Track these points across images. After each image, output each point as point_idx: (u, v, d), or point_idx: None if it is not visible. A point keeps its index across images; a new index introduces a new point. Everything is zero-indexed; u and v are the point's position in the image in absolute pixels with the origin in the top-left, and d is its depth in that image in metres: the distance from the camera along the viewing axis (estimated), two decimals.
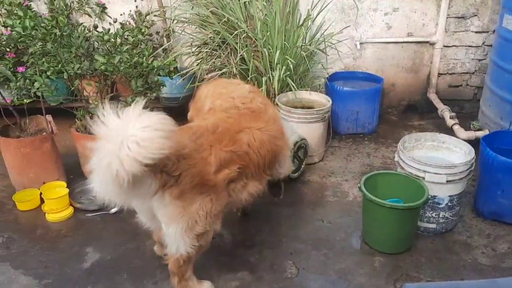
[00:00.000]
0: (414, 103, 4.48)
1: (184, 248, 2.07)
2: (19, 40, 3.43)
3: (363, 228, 2.69)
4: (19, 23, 2.95)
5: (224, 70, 3.61)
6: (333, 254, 2.57)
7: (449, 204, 2.64)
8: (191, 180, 1.98)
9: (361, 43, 4.22)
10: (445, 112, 3.96)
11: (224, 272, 2.44)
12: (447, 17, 4.10)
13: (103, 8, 4.16)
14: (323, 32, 4.01)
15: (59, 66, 3.01)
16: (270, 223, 2.86)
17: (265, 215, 2.93)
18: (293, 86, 3.50)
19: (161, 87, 3.26)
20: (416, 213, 2.54)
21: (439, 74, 4.33)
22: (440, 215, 2.67)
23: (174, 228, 2.02)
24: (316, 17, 3.90)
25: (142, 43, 3.46)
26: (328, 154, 3.70)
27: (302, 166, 3.37)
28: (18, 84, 3.24)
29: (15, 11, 3.43)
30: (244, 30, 3.54)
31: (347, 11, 4.15)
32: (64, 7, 3.93)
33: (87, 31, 3.26)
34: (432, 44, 4.21)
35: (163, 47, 4.04)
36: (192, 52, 3.85)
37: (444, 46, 4.21)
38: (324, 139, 3.60)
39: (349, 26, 4.18)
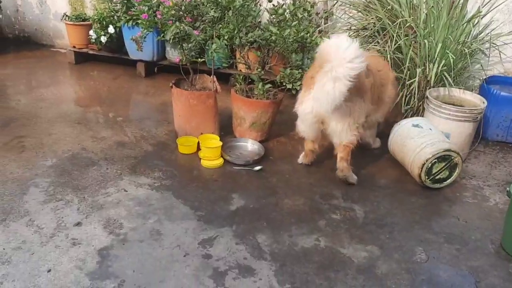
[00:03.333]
0: None
1: (350, 136, 2.95)
2: (196, 7, 3.88)
3: (503, 233, 2.62)
4: None
5: None
6: (466, 251, 2.56)
7: None
8: (354, 85, 2.63)
9: None
10: None
11: (355, 242, 2.59)
12: None
13: None
14: (489, 32, 3.84)
15: (234, 32, 3.37)
16: (403, 209, 2.93)
17: (398, 201, 3.00)
18: (448, 82, 3.45)
19: None
20: None
21: None
22: None
23: (345, 122, 2.88)
24: (485, 15, 3.75)
25: (306, 20, 3.70)
26: (471, 157, 3.60)
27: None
28: (189, 45, 3.69)
29: None
30: (406, 20, 3.57)
31: None
32: None
33: (260, 4, 3.58)
34: None
35: (319, 28, 4.24)
36: (350, 36, 3.97)
37: None
38: (470, 141, 3.50)
39: None
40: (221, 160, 3.37)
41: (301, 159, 3.37)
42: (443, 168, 3.07)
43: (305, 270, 2.36)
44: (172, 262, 2.35)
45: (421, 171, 3.04)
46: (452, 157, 3.05)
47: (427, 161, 3.02)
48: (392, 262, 2.46)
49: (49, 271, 2.23)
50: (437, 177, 3.09)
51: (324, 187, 3.10)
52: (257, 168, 3.32)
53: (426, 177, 3.07)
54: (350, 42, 2.59)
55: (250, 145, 3.63)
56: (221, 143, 3.43)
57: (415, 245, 2.59)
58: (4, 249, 2.35)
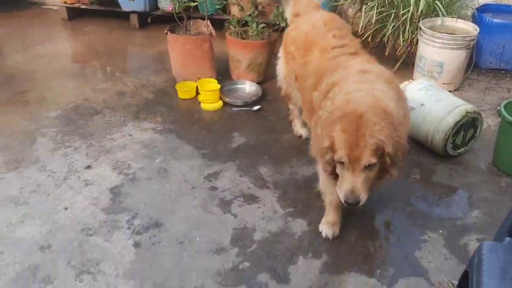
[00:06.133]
0: None
1: None
2: None
3: (495, 151, 2.73)
4: None
5: None
6: (460, 169, 2.70)
7: None
8: None
9: None
10: None
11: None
12: None
13: None
14: None
15: None
16: None
17: None
18: (441, 11, 3.46)
19: None
20: None
21: None
22: None
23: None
24: None
25: None
26: (465, 85, 3.67)
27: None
28: None
29: None
30: None
31: None
32: None
33: None
34: None
35: None
36: None
37: None
38: (463, 68, 3.56)
39: None
40: (220, 103, 3.45)
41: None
42: (466, 132, 2.76)
43: (306, 195, 2.50)
44: (181, 195, 2.49)
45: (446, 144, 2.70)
46: (469, 119, 2.70)
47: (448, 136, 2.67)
48: None
49: (66, 208, 2.37)
50: (466, 140, 2.80)
51: None
52: (256, 108, 3.40)
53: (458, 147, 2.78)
54: None
55: (248, 87, 3.69)
56: (219, 86, 3.49)
57: (411, 168, 2.72)
58: (21, 192, 2.49)
